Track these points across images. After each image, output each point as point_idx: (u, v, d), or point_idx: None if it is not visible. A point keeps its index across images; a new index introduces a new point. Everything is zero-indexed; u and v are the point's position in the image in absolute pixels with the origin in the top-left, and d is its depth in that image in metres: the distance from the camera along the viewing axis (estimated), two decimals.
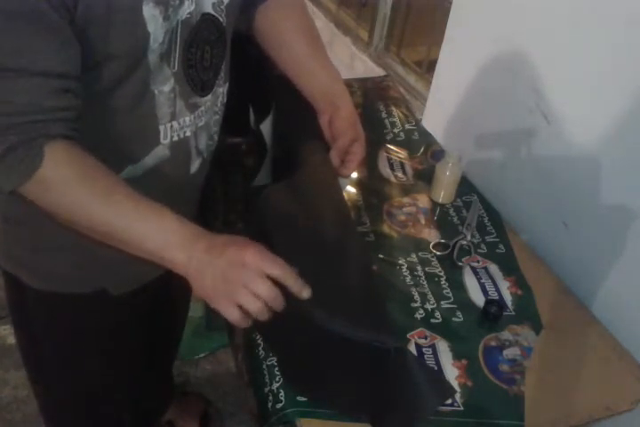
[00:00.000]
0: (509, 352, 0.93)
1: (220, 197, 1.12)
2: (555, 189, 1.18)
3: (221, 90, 0.89)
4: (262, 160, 1.08)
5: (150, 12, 0.69)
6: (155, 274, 0.96)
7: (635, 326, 1.01)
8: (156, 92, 0.76)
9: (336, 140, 0.97)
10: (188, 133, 0.84)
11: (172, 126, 0.81)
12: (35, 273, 0.91)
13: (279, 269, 0.71)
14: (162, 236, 0.71)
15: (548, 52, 1.15)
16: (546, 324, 0.98)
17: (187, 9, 0.73)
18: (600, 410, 0.89)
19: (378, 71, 2.11)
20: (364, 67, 2.23)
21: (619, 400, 0.90)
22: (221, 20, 0.81)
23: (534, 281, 1.06)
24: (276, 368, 0.88)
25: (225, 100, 0.91)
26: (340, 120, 0.96)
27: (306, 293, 0.72)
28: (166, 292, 1.06)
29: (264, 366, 0.88)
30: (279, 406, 0.83)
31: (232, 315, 0.71)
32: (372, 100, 1.45)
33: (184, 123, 0.83)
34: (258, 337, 0.92)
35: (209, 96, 0.85)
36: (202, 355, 1.77)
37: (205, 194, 1.05)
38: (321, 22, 2.50)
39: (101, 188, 0.70)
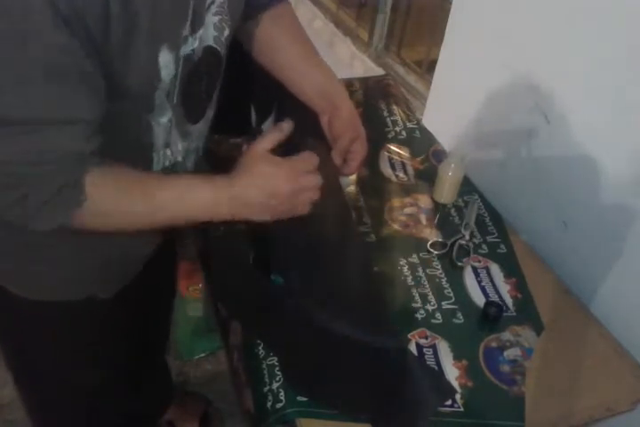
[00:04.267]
0: (510, 353, 0.93)
1: None
2: (555, 189, 1.18)
3: (211, 113, 0.89)
4: None
5: (165, 59, 0.70)
6: (137, 270, 0.97)
7: (635, 326, 1.01)
8: (153, 123, 0.77)
9: (337, 140, 0.97)
10: (180, 159, 0.86)
11: (164, 153, 0.83)
12: (22, 285, 0.90)
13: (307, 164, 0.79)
14: (206, 202, 0.75)
15: (548, 52, 1.15)
16: (546, 324, 0.98)
17: (190, 46, 0.74)
18: (600, 410, 0.89)
19: (378, 71, 2.11)
20: (364, 67, 2.23)
21: (619, 400, 0.91)
22: (220, 51, 0.81)
23: (535, 281, 1.06)
24: (277, 368, 0.88)
25: (210, 124, 0.92)
26: (340, 120, 0.96)
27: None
28: (150, 282, 1.06)
29: (264, 366, 0.88)
30: (279, 405, 0.83)
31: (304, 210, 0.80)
32: (373, 98, 1.45)
33: (176, 149, 0.84)
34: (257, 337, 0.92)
35: (200, 122, 0.87)
36: (202, 355, 1.77)
37: None
38: (321, 22, 2.50)
39: (138, 192, 0.73)
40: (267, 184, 0.76)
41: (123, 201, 0.72)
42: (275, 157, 0.78)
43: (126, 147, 0.75)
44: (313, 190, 0.79)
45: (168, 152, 0.83)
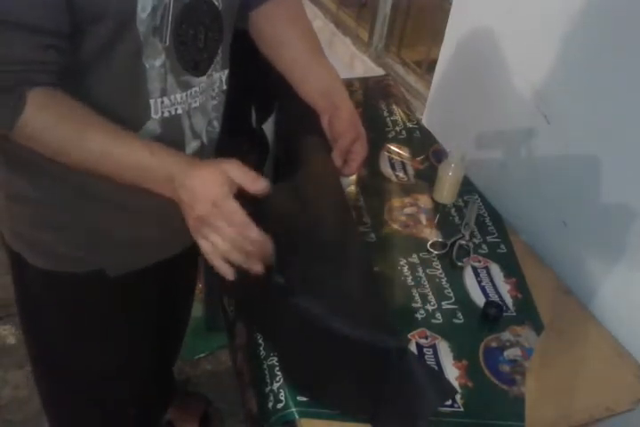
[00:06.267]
0: (510, 353, 0.93)
1: None
2: (554, 189, 1.18)
3: (218, 75, 0.89)
4: (264, 160, 1.08)
5: None
6: (154, 258, 0.97)
7: (635, 326, 1.01)
8: (147, 66, 0.77)
9: (337, 140, 0.97)
10: (180, 111, 0.85)
11: (162, 102, 0.82)
12: (35, 251, 0.91)
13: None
14: (154, 158, 0.75)
15: (548, 52, 1.15)
16: (546, 324, 0.98)
17: None
18: (600, 410, 0.89)
19: (378, 71, 2.12)
20: (364, 67, 2.23)
21: (619, 400, 0.91)
22: (216, 4, 0.82)
23: (535, 281, 1.06)
24: (277, 368, 0.88)
25: (224, 88, 0.91)
26: (340, 120, 0.96)
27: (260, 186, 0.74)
28: (168, 282, 1.06)
29: (265, 366, 0.88)
30: (280, 406, 0.83)
31: (204, 247, 0.77)
32: (373, 98, 1.45)
33: (175, 100, 0.83)
34: (259, 337, 0.92)
35: (203, 78, 0.86)
36: (202, 355, 1.78)
37: None
38: (321, 22, 2.50)
39: (81, 127, 0.73)
40: (194, 196, 0.74)
41: (64, 131, 0.72)
42: (228, 195, 0.74)
43: (121, 89, 0.77)
44: (219, 234, 0.75)
45: (166, 101, 0.82)
